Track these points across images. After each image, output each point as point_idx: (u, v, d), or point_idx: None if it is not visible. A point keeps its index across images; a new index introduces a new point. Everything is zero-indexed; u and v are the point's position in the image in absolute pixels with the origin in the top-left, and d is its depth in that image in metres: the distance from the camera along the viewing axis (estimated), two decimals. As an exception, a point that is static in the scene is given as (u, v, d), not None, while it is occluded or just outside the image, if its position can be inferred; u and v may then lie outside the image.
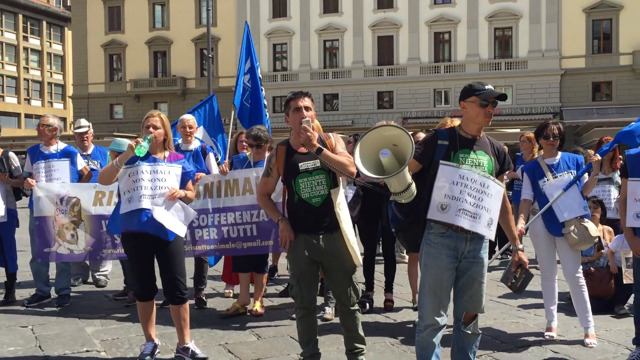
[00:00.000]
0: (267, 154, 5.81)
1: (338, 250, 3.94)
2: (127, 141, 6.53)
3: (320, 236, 3.93)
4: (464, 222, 3.45)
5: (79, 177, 6.17)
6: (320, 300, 5.15)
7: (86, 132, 6.83)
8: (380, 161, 3.44)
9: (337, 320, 5.44)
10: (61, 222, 5.83)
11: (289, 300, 6.21)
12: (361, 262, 4.02)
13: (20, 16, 56.70)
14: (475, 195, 3.47)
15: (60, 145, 6.18)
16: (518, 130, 24.86)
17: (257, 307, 5.72)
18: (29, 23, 57.89)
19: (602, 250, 6.08)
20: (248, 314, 5.74)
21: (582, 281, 4.93)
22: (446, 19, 36.52)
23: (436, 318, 3.49)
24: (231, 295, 6.48)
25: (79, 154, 6.30)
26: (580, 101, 34.32)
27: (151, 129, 4.30)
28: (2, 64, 56.29)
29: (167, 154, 4.45)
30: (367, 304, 5.84)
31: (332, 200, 3.93)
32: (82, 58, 44.98)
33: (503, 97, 3.57)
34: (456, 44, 36.51)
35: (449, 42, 36.87)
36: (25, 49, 58.12)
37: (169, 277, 4.36)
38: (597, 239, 4.97)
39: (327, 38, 38.83)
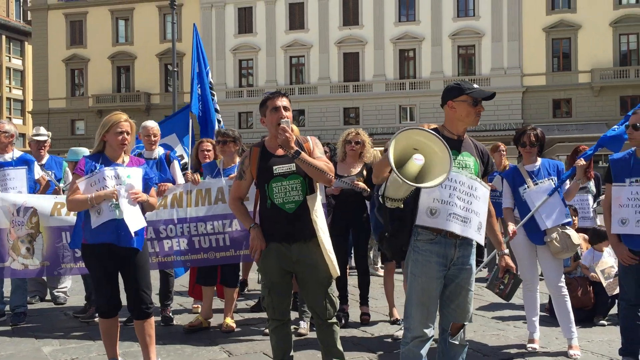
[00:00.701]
0: (237, 160, 5.59)
1: (312, 260, 3.71)
2: (84, 150, 6.23)
3: (293, 245, 3.71)
4: (455, 226, 3.27)
5: (36, 187, 5.82)
6: (294, 314, 4.92)
7: (45, 141, 6.51)
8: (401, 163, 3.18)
9: (312, 335, 5.21)
10: (16, 234, 5.46)
11: (261, 315, 5.95)
12: (338, 272, 3.79)
13: (-22, 30, 55.26)
14: (464, 199, 3.31)
15: (17, 153, 5.82)
16: (483, 145, 25.06)
17: (228, 322, 5.44)
18: (-14, 37, 56.43)
19: (580, 261, 6.00)
20: (218, 329, 5.45)
21: (565, 290, 4.81)
22: (411, 37, 36.92)
23: (424, 330, 3.29)
24: (200, 310, 6.18)
25: (36, 163, 5.95)
26: (542, 118, 34.97)
27: (127, 137, 4.08)
28: (-42, 78, 54.68)
29: (126, 159, 4.20)
30: (343, 319, 5.62)
31: (307, 207, 3.71)
32: (42, 73, 43.91)
33: (493, 95, 3.46)
34: (421, 61, 36.90)
35: (413, 59, 37.25)
36: (-17, 63, 56.55)
37: (135, 290, 4.09)
38: (579, 247, 4.86)
39: (293, 54, 38.81)
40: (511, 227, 4.78)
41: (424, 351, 3.32)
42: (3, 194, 5.56)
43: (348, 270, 6.43)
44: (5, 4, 61.28)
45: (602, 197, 8.41)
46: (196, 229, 5.28)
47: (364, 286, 5.88)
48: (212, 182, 5.37)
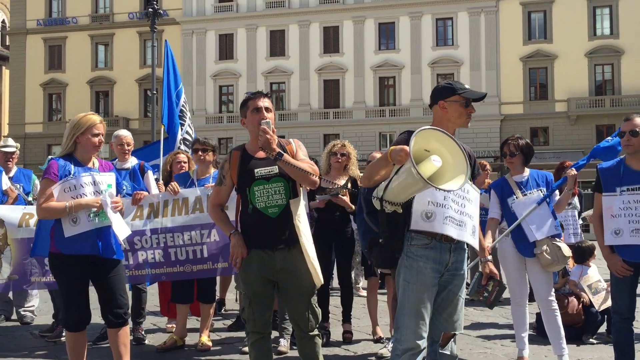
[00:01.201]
0: (212, 171, 5.40)
1: (295, 268, 3.51)
2: None
3: (276, 252, 3.51)
4: (451, 230, 3.11)
5: (4, 198, 5.54)
6: (274, 333, 4.69)
7: (13, 153, 6.24)
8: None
9: (293, 353, 4.97)
10: (-19, 248, 5.17)
11: (239, 334, 5.69)
12: (322, 281, 3.60)
13: (-46, 53, 54.60)
14: (458, 202, 3.16)
15: None
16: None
17: (204, 340, 5.17)
18: (-37, 61, 55.78)
19: (568, 277, 5.87)
20: (193, 348, 5.18)
21: (555, 305, 4.65)
22: (391, 65, 37.25)
23: (417, 341, 3.07)
24: (174, 329, 5.89)
25: (4, 174, 5.68)
26: (520, 146, 35.26)
27: (102, 139, 3.89)
28: None
29: (96, 162, 3.99)
30: (324, 336, 5.38)
31: (290, 211, 3.53)
32: (19, 97, 43.37)
33: (484, 97, 3.37)
34: (401, 88, 37.18)
35: (393, 86, 37.52)
36: (-42, 87, 55.76)
37: (111, 296, 3.88)
38: (570, 259, 4.71)
39: (274, 80, 38.87)
40: (487, 241, 4.59)
41: None
42: (-32, 204, 5.28)
43: (330, 290, 6.23)
44: (-17, 29, 60.72)
45: (585, 213, 8.38)
46: (172, 240, 5.04)
47: (347, 302, 5.67)
48: (189, 191, 5.16)
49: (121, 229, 3.91)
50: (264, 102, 3.59)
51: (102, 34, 41.72)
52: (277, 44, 38.57)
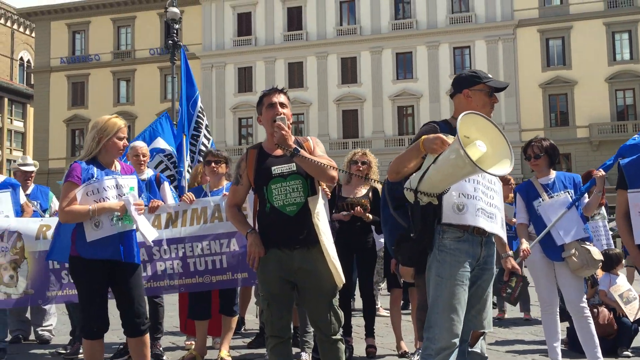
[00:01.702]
0: (225, 183, 5.32)
1: (315, 268, 3.38)
2: None
3: (295, 251, 3.39)
4: (483, 222, 2.99)
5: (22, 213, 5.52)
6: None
7: (32, 172, 6.26)
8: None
9: (314, 365, 4.81)
10: (-1, 262, 5.11)
11: (260, 350, 5.54)
12: (343, 280, 3.46)
13: (-19, 93, 56.03)
14: (486, 193, 3.06)
15: (0, 178, 5.55)
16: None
17: (224, 354, 5.02)
18: (-11, 100, 57.16)
19: (597, 286, 5.64)
20: (212, 363, 5.04)
21: (588, 312, 4.43)
22: (409, 94, 37.33)
23: (452, 340, 2.91)
24: (192, 346, 5.74)
25: (21, 188, 5.67)
26: (542, 172, 34.88)
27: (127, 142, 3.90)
28: (-40, 140, 55.00)
29: (118, 165, 3.95)
30: (347, 351, 5.18)
31: (309, 209, 3.42)
32: (43, 134, 44.22)
33: (507, 86, 3.27)
34: (419, 117, 37.14)
35: (412, 115, 37.53)
36: (-15, 125, 57.05)
37: (131, 304, 3.81)
38: (600, 264, 4.51)
39: (293, 112, 38.05)
40: (524, 244, 4.47)
41: None
42: (-15, 218, 5.25)
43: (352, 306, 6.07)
44: (9, 68, 62.51)
45: (613, 223, 8.13)
46: (191, 250, 4.94)
47: (369, 316, 5.48)
48: (208, 199, 5.09)
49: (148, 230, 3.84)
50: (279, 98, 3.52)
51: (124, 70, 42.57)
52: (296, 76, 38.94)
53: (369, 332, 5.45)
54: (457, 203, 2.97)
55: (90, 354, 3.81)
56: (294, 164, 3.44)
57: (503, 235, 3.12)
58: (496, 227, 3.05)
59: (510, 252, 3.42)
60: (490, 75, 3.24)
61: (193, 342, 5.79)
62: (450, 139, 2.83)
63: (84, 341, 3.84)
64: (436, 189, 2.87)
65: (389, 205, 3.21)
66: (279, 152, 3.48)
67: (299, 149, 3.38)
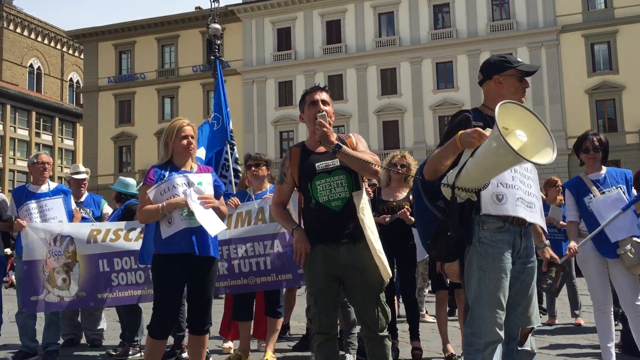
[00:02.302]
0: (267, 185, 5.37)
1: (362, 263, 3.37)
2: (132, 181, 6.15)
3: (341, 247, 3.38)
4: (524, 212, 2.94)
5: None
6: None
7: (85, 180, 6.46)
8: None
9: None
10: (52, 265, 5.28)
11: (304, 353, 5.54)
12: (390, 274, 3.44)
13: (34, 113, 58.12)
14: (524, 182, 3.00)
15: (52, 184, 5.74)
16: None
17: (269, 356, 5.03)
18: (41, 120, 59.24)
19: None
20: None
21: (644, 310, 4.27)
22: (450, 103, 36.98)
23: (499, 332, 2.85)
24: (231, 350, 5.77)
25: (72, 195, 5.85)
26: (590, 180, 33.95)
27: (192, 140, 4.00)
28: (14, 159, 57.05)
29: (194, 166, 4.06)
30: (393, 353, 5.13)
31: (354, 204, 3.41)
32: (92, 151, 45.52)
33: (537, 69, 3.21)
34: (461, 127, 36.74)
35: (454, 125, 37.13)
36: (37, 144, 59.10)
37: (203, 302, 3.91)
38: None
39: (334, 124, 38.91)
40: (572, 243, 4.35)
41: (497, 358, 2.86)
42: (40, 223, 5.43)
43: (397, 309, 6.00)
44: (59, 89, 64.75)
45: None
46: (236, 251, 5.00)
47: (413, 319, 5.41)
48: (252, 203, 5.14)
49: (211, 223, 3.83)
50: (321, 95, 3.56)
51: (168, 87, 43.53)
52: (336, 88, 39.08)
53: (414, 335, 5.37)
54: (496, 193, 2.91)
55: (151, 353, 3.84)
56: (337, 159, 3.45)
57: (543, 224, 3.05)
58: (536, 216, 3.00)
59: (547, 242, 3.35)
60: (520, 59, 3.17)
61: (230, 346, 5.83)
62: (487, 132, 2.78)
63: (148, 340, 3.86)
64: (476, 183, 2.81)
65: (423, 198, 3.13)
66: (321, 149, 3.50)
67: (341, 145, 3.39)
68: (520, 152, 2.59)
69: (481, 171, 2.76)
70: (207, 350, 5.35)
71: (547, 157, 2.66)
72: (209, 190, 3.95)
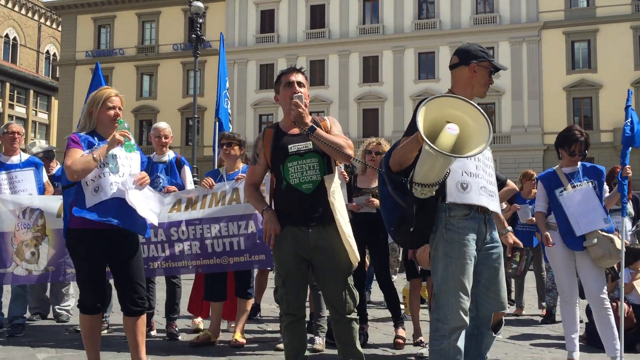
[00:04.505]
0: (241, 165, 5.35)
1: (331, 246, 3.39)
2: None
3: (311, 229, 3.39)
4: (486, 201, 2.99)
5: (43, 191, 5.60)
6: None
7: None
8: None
9: (329, 351, 4.80)
10: (21, 238, 5.19)
11: (274, 334, 5.55)
12: (359, 259, 3.46)
13: (8, 84, 56.94)
14: (486, 170, 3.07)
15: (24, 156, 5.63)
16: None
17: (238, 336, 5.04)
18: (15, 91, 58.06)
19: (618, 280, 5.54)
20: (226, 344, 5.06)
21: (608, 303, 4.36)
22: (430, 94, 36.89)
23: (464, 317, 2.89)
24: (201, 326, 5.76)
25: (43, 167, 5.75)
26: (564, 176, 34.47)
27: (119, 112, 3.80)
28: (-15, 130, 56.05)
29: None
30: (362, 337, 5.16)
31: (325, 187, 3.42)
32: (67, 125, 44.78)
33: (505, 69, 3.28)
34: (440, 118, 36.97)
35: (433, 116, 37.34)
36: (10, 116, 57.95)
37: (129, 281, 3.70)
38: (622, 254, 4.43)
39: (313, 110, 39.04)
40: (548, 233, 4.42)
41: (462, 343, 2.90)
42: (9, 195, 5.34)
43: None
44: (35, 61, 63.41)
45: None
46: (209, 231, 4.97)
47: (393, 306, 5.40)
48: (227, 183, 5.12)
49: (147, 212, 3.73)
50: (297, 77, 3.53)
51: (147, 65, 42.95)
52: (317, 74, 38.97)
53: (397, 322, 5.31)
54: (460, 181, 2.95)
55: (88, 329, 3.70)
56: (311, 142, 3.45)
57: (502, 214, 3.13)
58: (497, 205, 3.10)
59: (509, 228, 3.43)
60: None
61: (200, 321, 5.82)
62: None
63: (81, 316, 3.72)
64: (429, 179, 2.79)
65: (387, 184, 3.08)
66: (295, 130, 3.48)
67: (315, 127, 3.38)
68: (457, 146, 2.62)
69: (427, 170, 2.77)
70: (176, 328, 5.38)
71: (479, 148, 2.66)
72: (137, 168, 3.81)
